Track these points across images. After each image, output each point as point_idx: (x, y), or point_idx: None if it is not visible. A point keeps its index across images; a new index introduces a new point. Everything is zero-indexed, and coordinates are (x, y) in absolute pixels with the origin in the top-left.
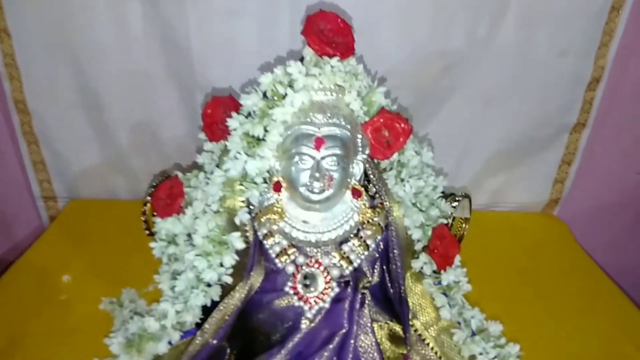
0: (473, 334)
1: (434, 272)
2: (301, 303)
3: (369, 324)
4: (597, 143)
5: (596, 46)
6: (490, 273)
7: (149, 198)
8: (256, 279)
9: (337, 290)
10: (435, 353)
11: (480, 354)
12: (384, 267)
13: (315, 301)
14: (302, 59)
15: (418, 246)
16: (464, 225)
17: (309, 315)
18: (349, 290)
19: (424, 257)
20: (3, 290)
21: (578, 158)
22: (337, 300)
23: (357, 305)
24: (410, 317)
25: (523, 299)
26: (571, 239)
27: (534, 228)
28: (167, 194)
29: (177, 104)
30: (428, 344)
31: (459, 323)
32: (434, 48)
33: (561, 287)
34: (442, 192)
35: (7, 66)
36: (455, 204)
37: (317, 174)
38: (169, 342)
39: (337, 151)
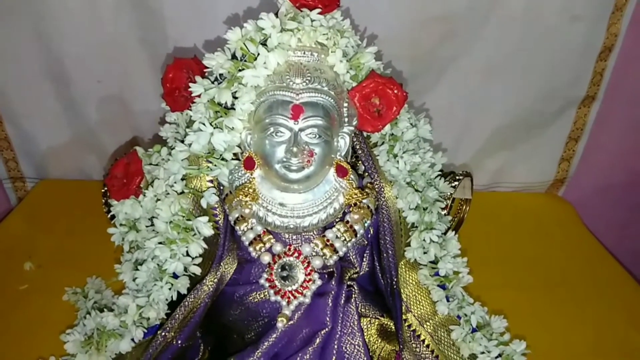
0: (474, 330)
1: (431, 262)
2: (278, 298)
3: (355, 323)
4: (607, 118)
5: (610, 11)
6: (492, 258)
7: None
8: (227, 270)
9: (319, 282)
10: (432, 352)
11: (482, 352)
12: (374, 255)
13: (294, 295)
14: (277, 12)
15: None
16: (464, 207)
17: (286, 311)
18: (333, 282)
19: (415, 242)
20: None
21: (586, 134)
22: (319, 294)
23: (342, 301)
24: (403, 310)
25: (528, 287)
26: (577, 220)
27: (538, 209)
28: (124, 173)
29: (149, 74)
30: (423, 341)
31: (459, 317)
32: (432, 12)
33: (568, 273)
34: (441, 171)
35: None
36: (455, 183)
37: (294, 149)
38: (132, 340)
39: (319, 121)
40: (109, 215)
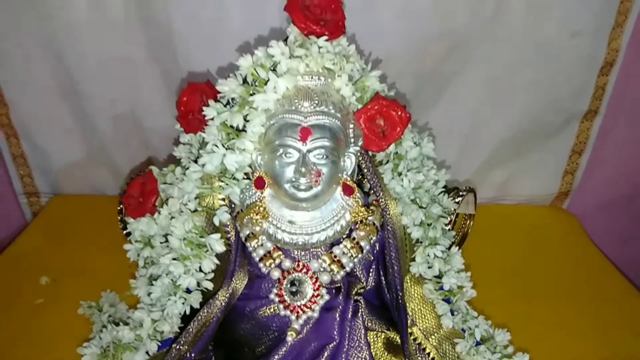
0: (478, 343)
1: (435, 276)
2: (287, 312)
3: (362, 337)
4: (609, 132)
5: (610, 27)
6: (496, 271)
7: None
8: (239, 285)
9: (327, 297)
10: None
11: None
12: (380, 271)
13: (303, 310)
14: (286, 39)
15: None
16: (468, 222)
17: (295, 325)
18: (340, 297)
19: (420, 257)
20: None
21: (589, 148)
22: (327, 309)
23: (349, 315)
24: (409, 324)
25: (532, 300)
26: (582, 233)
27: (542, 222)
28: (140, 192)
29: (160, 91)
30: (428, 354)
31: (463, 331)
32: (436, 29)
33: (572, 286)
34: (445, 187)
35: None
36: (458, 199)
37: (303, 169)
38: (147, 353)
39: (326, 143)
40: (124, 232)
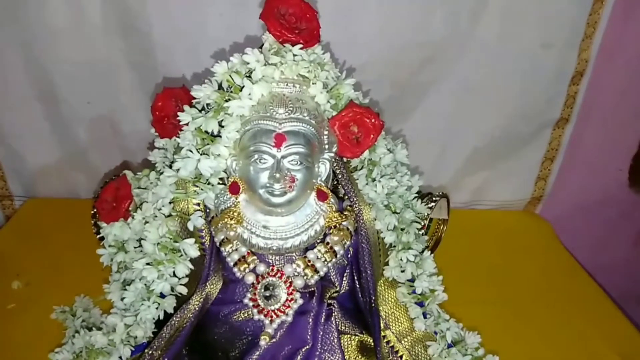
0: (450, 345)
1: (408, 280)
2: (261, 316)
3: (335, 340)
4: (580, 139)
5: (580, 38)
6: (469, 274)
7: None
8: (213, 289)
9: (300, 302)
10: None
11: None
12: (354, 275)
13: (276, 314)
14: (261, 47)
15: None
16: (441, 227)
17: (269, 330)
18: (314, 301)
19: (393, 261)
20: None
21: (561, 154)
22: (300, 312)
23: (323, 319)
24: (382, 327)
25: (504, 302)
26: (554, 238)
27: (515, 227)
28: (113, 197)
29: (137, 96)
30: (401, 357)
31: (435, 334)
32: (413, 39)
33: (543, 289)
34: (418, 192)
35: None
36: (432, 204)
37: (277, 175)
38: (120, 358)
39: (300, 149)
40: (98, 237)
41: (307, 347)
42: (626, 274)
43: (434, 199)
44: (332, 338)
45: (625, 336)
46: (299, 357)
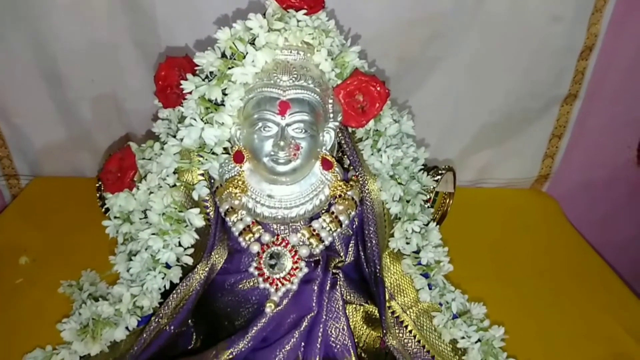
0: (455, 316)
1: (414, 252)
2: (267, 285)
3: (340, 308)
4: (588, 115)
5: (590, 12)
6: (476, 252)
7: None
8: (218, 259)
9: (305, 270)
10: (414, 336)
11: (462, 337)
12: (359, 245)
13: (282, 283)
14: (264, 13)
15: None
16: (447, 200)
17: (275, 297)
18: (319, 270)
19: (398, 232)
20: None
21: (569, 131)
22: (305, 281)
23: (327, 287)
24: (387, 298)
25: (510, 278)
26: (561, 215)
27: (522, 205)
28: (118, 167)
29: (141, 73)
30: (406, 327)
31: (440, 305)
32: (420, 14)
33: (550, 266)
34: (424, 165)
35: None
36: (437, 177)
37: (281, 142)
38: (127, 328)
39: (305, 117)
40: (103, 209)
41: (312, 314)
42: (633, 252)
43: (440, 172)
44: (337, 306)
45: (631, 310)
46: (304, 324)
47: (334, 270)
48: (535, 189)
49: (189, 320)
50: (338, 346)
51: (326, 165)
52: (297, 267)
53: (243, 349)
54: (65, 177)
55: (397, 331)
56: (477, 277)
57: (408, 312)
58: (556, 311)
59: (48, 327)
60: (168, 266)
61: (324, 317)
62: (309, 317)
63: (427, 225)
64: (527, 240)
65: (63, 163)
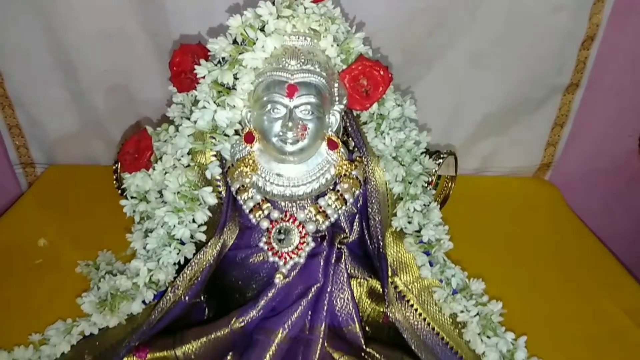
0: (454, 292)
1: (415, 231)
2: (276, 258)
3: (345, 280)
4: (590, 104)
5: (591, 1)
6: (478, 238)
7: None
8: (229, 235)
9: (312, 245)
10: (415, 310)
11: (462, 311)
12: (363, 223)
13: (290, 256)
14: (274, 1)
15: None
16: (449, 184)
17: (283, 270)
18: (325, 245)
19: (400, 211)
20: None
21: (571, 120)
22: (312, 255)
23: (333, 260)
24: (390, 274)
25: (511, 262)
26: (563, 203)
27: (525, 193)
28: (135, 148)
29: (154, 64)
30: (408, 301)
31: (441, 281)
32: (422, 5)
33: (550, 250)
34: (427, 149)
35: None
36: (439, 160)
37: (290, 123)
38: (143, 302)
39: (312, 99)
40: (119, 191)
41: (319, 284)
42: (634, 240)
43: (442, 155)
44: (341, 278)
45: (631, 292)
46: (310, 294)
47: (339, 245)
48: (537, 177)
49: (202, 296)
50: (343, 315)
51: (332, 145)
52: (304, 242)
53: (253, 318)
54: (80, 165)
55: (400, 306)
56: (479, 261)
57: (410, 288)
58: (555, 292)
59: (67, 303)
60: (182, 243)
61: (330, 287)
62: (315, 287)
63: (428, 205)
64: (529, 226)
65: (77, 151)
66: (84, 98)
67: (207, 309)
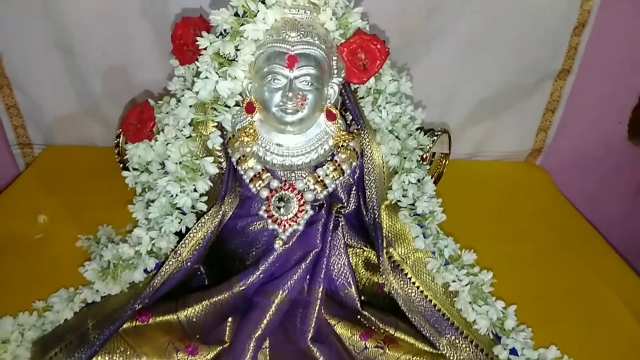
0: (447, 263)
1: (410, 204)
2: (275, 226)
3: (342, 246)
4: (581, 90)
5: None
6: (470, 219)
7: (120, 131)
8: (230, 205)
9: (311, 212)
10: (409, 278)
11: (454, 281)
12: (360, 195)
13: (289, 224)
14: None
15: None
16: (443, 161)
17: (283, 236)
18: (323, 212)
19: (396, 184)
20: None
21: (562, 106)
22: (310, 223)
23: (330, 227)
24: (384, 245)
25: (502, 240)
26: (553, 187)
27: (516, 177)
28: (138, 119)
29: (152, 47)
30: (402, 270)
31: (434, 253)
32: None
33: (540, 230)
34: (421, 127)
35: None
36: (434, 138)
37: (290, 94)
38: (145, 271)
39: (311, 70)
40: (120, 165)
41: (317, 249)
42: (624, 225)
43: (436, 133)
44: (339, 244)
45: (617, 269)
46: (309, 259)
47: (336, 214)
48: (529, 162)
49: (202, 267)
50: (340, 280)
51: (330, 117)
52: (303, 210)
53: (254, 282)
54: (77, 146)
55: (396, 277)
56: (470, 240)
57: (405, 259)
58: (544, 268)
59: (69, 274)
60: (183, 213)
61: (327, 252)
62: (313, 252)
63: (422, 179)
64: (520, 208)
65: (75, 133)
66: (82, 79)
67: (206, 280)
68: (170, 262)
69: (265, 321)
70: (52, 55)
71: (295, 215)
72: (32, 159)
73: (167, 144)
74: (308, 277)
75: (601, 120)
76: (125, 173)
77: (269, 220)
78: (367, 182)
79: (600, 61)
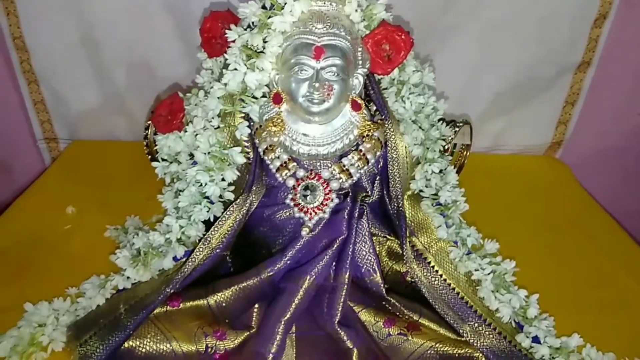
0: (469, 252)
1: (432, 194)
2: (301, 214)
3: (367, 233)
4: (601, 83)
5: None
6: (491, 212)
7: (149, 123)
8: (257, 194)
9: (336, 201)
10: (433, 267)
11: (476, 270)
12: (383, 184)
13: (315, 212)
14: None
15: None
16: (465, 152)
17: (309, 224)
18: (348, 200)
19: (419, 174)
20: (5, 225)
21: (582, 98)
22: (336, 211)
23: (356, 215)
24: (408, 234)
25: (524, 233)
26: (573, 181)
27: (536, 171)
28: (168, 111)
29: (175, 42)
30: (425, 258)
31: (456, 243)
32: None
33: (562, 222)
34: (443, 118)
35: (3, 0)
36: (456, 129)
37: (316, 84)
38: (174, 259)
39: (337, 61)
40: (149, 157)
41: (343, 236)
42: None
43: (458, 124)
44: (364, 232)
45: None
46: (335, 246)
47: (361, 203)
48: (548, 155)
49: (228, 255)
50: (365, 266)
51: (355, 106)
52: (329, 198)
53: (281, 268)
54: (102, 141)
55: (420, 266)
56: (492, 232)
57: (428, 248)
58: (566, 259)
59: (99, 263)
60: (211, 203)
61: (353, 239)
62: (339, 239)
63: (445, 169)
64: (541, 201)
65: (99, 127)
66: (107, 75)
67: (232, 268)
68: (201, 249)
69: (293, 305)
70: (77, 51)
71: (321, 203)
72: (57, 153)
73: (196, 134)
74: (334, 263)
75: (621, 113)
76: (154, 164)
77: (295, 209)
78: (390, 171)
79: (621, 53)
